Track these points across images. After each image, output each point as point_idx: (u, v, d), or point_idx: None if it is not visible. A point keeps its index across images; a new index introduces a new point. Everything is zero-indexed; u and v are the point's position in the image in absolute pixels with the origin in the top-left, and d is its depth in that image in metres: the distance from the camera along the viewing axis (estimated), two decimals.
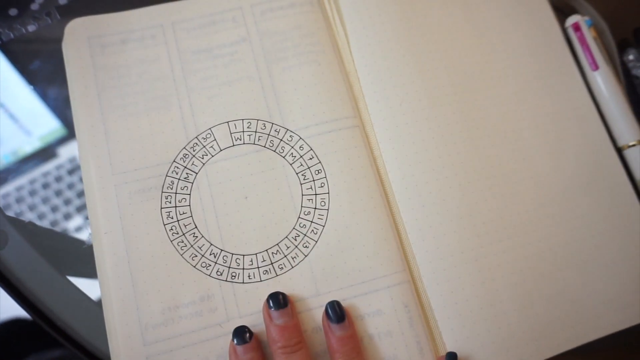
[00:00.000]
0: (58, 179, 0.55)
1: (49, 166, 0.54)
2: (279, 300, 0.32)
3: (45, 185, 0.54)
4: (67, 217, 0.48)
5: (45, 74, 0.42)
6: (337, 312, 0.32)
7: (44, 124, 0.54)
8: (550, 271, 0.35)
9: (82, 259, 0.35)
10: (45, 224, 0.46)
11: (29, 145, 0.54)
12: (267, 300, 0.32)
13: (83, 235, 0.38)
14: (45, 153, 0.54)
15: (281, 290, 0.33)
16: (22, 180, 0.56)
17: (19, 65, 0.48)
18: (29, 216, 0.47)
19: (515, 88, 0.39)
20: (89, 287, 0.35)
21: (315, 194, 0.35)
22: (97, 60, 0.37)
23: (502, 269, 0.34)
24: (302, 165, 0.35)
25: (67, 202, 0.45)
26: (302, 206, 0.35)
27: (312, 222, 0.34)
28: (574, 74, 0.40)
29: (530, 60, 0.40)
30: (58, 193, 0.53)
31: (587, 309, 0.34)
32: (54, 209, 0.51)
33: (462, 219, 0.35)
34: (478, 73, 0.39)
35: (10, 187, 0.53)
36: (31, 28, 0.42)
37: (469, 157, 0.36)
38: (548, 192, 0.36)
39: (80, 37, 0.37)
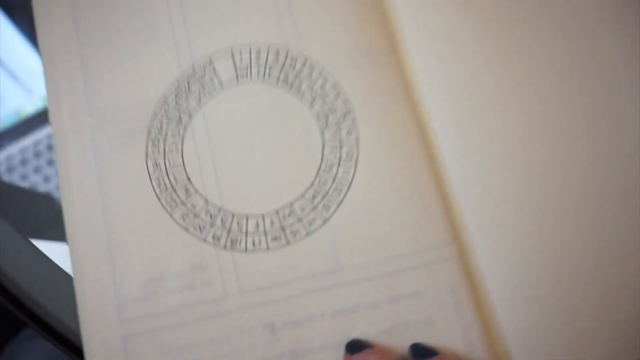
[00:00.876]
0: (53, 133, 0.50)
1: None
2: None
3: (50, 147, 0.50)
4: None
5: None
6: (357, 343, 0.25)
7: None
8: None
9: (53, 219, 0.29)
10: (51, 187, 0.40)
11: (31, 105, 0.52)
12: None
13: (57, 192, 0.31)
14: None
15: (294, 262, 0.26)
16: (26, 141, 0.52)
17: (16, 18, 0.43)
18: (34, 179, 0.42)
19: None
20: (59, 255, 0.29)
21: (341, 143, 0.27)
22: None
23: (584, 246, 0.26)
24: (324, 106, 0.28)
25: None
26: (322, 158, 0.27)
27: (335, 178, 0.27)
28: None
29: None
30: None
31: None
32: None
33: (534, 174, 0.27)
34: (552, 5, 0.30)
35: (14, 148, 0.49)
36: None
37: (544, 98, 0.28)
38: None
39: None
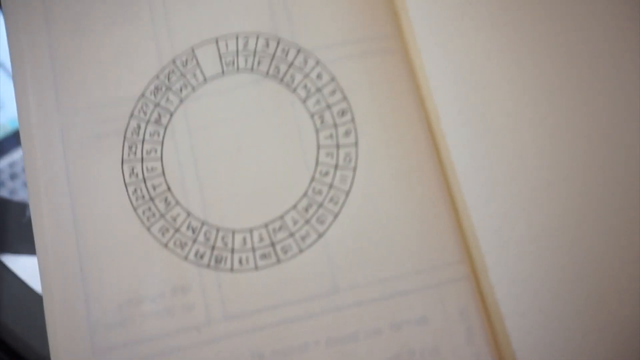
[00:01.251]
0: (20, 135, 0.48)
1: None
2: None
3: None
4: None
5: None
6: None
7: None
8: None
9: (21, 233, 0.26)
10: None
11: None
12: None
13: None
14: None
15: (285, 283, 0.23)
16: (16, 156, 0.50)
17: None
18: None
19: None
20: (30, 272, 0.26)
21: (338, 146, 0.24)
22: None
23: (612, 263, 0.23)
24: (319, 102, 0.25)
25: None
26: (317, 163, 0.24)
27: (331, 186, 0.24)
28: None
29: None
30: None
31: None
32: None
33: (552, 186, 0.23)
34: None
35: (17, 155, 0.47)
36: None
37: (568, 98, 0.24)
38: None
39: None
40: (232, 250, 0.24)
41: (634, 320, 0.22)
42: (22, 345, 0.25)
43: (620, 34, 0.25)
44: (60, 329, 0.23)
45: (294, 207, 0.24)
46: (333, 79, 0.25)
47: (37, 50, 0.26)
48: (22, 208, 0.28)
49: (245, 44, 0.25)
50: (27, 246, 0.26)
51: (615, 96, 0.24)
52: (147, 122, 0.25)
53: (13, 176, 0.43)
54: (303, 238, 0.24)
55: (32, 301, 0.25)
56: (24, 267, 0.26)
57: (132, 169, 0.25)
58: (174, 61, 0.26)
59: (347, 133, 0.24)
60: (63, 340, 0.23)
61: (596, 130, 0.24)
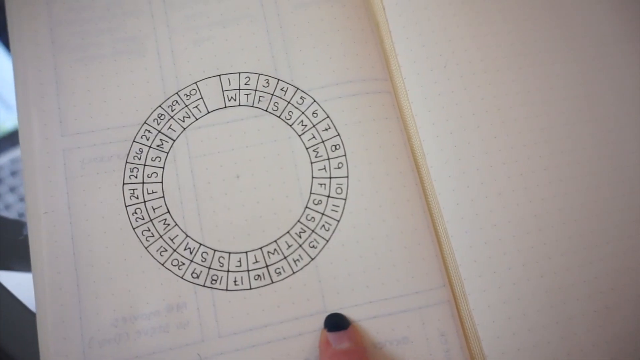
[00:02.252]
0: (21, 156, 0.48)
1: None
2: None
3: None
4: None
5: None
6: (337, 320, 0.24)
7: None
8: None
9: (16, 250, 0.26)
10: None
11: (11, 121, 0.49)
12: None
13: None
14: None
15: (278, 302, 0.24)
16: (3, 159, 0.49)
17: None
18: (9, 199, 0.39)
19: (592, 55, 0.30)
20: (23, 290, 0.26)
21: (330, 178, 0.26)
22: None
23: (578, 290, 0.25)
24: (314, 137, 0.27)
25: None
26: (311, 192, 0.26)
27: (323, 214, 0.26)
28: None
29: (611, 24, 0.31)
30: None
31: None
32: None
33: (525, 220, 0.26)
34: (545, 34, 0.30)
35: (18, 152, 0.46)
36: None
37: (534, 139, 0.27)
38: (636, 188, 0.28)
39: None
40: (228, 271, 0.25)
41: (605, 342, 0.25)
42: None
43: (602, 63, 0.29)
44: (52, 345, 0.23)
45: (288, 232, 0.25)
46: (327, 116, 0.27)
47: (42, 75, 0.27)
48: (19, 226, 0.28)
49: (247, 82, 0.28)
50: (21, 263, 0.26)
51: (595, 128, 0.28)
52: (150, 147, 0.26)
53: (14, 174, 0.43)
54: (296, 261, 0.25)
55: (25, 318, 0.25)
56: (17, 284, 0.26)
57: (133, 191, 0.26)
58: (177, 92, 0.27)
59: (339, 166, 0.26)
60: (55, 357, 0.23)
61: (576, 164, 0.27)
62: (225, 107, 0.27)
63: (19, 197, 0.50)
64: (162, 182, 0.26)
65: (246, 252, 0.25)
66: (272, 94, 0.27)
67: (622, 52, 0.30)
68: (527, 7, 0.30)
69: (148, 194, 0.26)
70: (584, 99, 0.29)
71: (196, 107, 0.27)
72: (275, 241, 0.25)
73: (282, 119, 0.27)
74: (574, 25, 0.30)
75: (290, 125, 0.27)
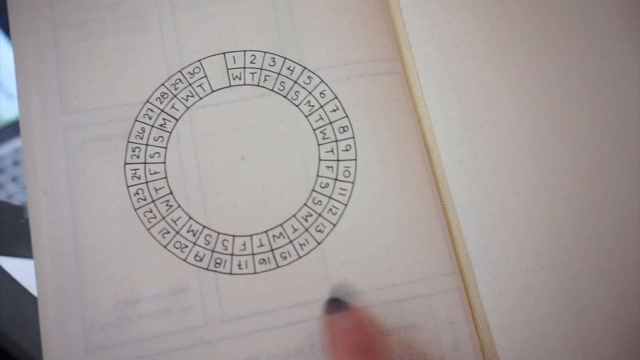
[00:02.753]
0: (21, 134, 0.48)
1: None
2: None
3: None
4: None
5: None
6: (335, 303, 0.23)
7: None
8: None
9: (19, 233, 0.26)
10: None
11: (12, 111, 0.48)
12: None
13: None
14: None
15: (283, 287, 0.24)
16: (4, 149, 0.49)
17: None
18: (12, 189, 0.39)
19: (608, 44, 0.29)
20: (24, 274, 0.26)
21: (338, 160, 0.26)
22: None
23: (593, 279, 0.25)
24: (321, 118, 0.26)
25: None
26: (318, 175, 0.25)
27: (330, 197, 0.25)
28: None
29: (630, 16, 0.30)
30: None
31: None
32: None
33: (539, 208, 0.25)
34: (561, 21, 0.28)
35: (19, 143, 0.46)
36: None
37: (550, 124, 0.27)
38: None
39: None
40: (232, 254, 0.24)
41: (621, 333, 0.24)
42: (14, 348, 0.24)
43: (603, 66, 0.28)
44: (53, 328, 0.23)
45: (294, 215, 0.25)
46: (335, 97, 0.26)
47: (42, 51, 0.26)
48: (20, 211, 0.27)
49: (253, 60, 0.27)
50: (22, 248, 0.26)
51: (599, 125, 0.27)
52: (152, 126, 0.26)
53: (16, 163, 0.43)
54: (302, 245, 0.24)
55: (27, 303, 0.25)
56: (17, 269, 0.25)
57: (135, 172, 0.25)
58: (181, 70, 0.26)
59: (347, 148, 0.26)
60: (56, 340, 0.22)
61: (583, 155, 0.26)
62: (230, 86, 0.26)
63: (21, 187, 0.50)
64: (164, 163, 0.25)
65: (251, 236, 0.24)
66: (279, 73, 0.26)
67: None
68: None
69: (150, 174, 0.25)
70: (603, 89, 0.28)
71: (200, 85, 0.26)
72: (281, 225, 0.25)
73: (288, 99, 0.26)
74: (592, 11, 0.29)
75: (297, 106, 0.26)
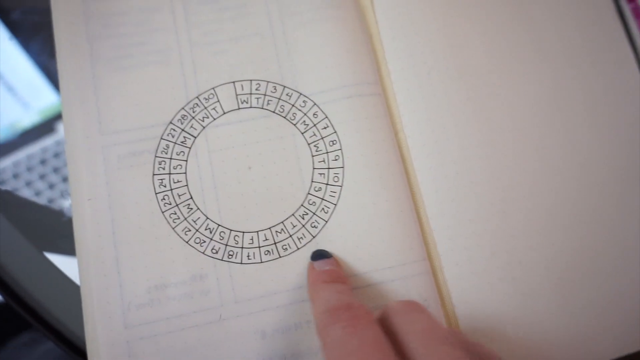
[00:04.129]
0: (57, 155, 0.51)
1: (48, 141, 0.50)
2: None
3: (43, 162, 0.51)
4: (66, 195, 0.44)
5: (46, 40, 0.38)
6: (320, 252, 0.29)
7: (43, 97, 0.50)
8: (595, 273, 0.30)
9: (62, 233, 0.31)
10: (42, 200, 0.43)
11: (28, 119, 0.52)
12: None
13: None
14: (45, 128, 0.50)
15: (284, 274, 0.29)
16: (20, 155, 0.53)
17: (18, 33, 0.45)
18: (26, 193, 0.44)
19: (559, 63, 0.34)
20: (67, 267, 0.31)
21: (328, 168, 0.31)
22: (90, 6, 0.33)
23: (538, 265, 0.30)
24: (314, 134, 0.31)
25: (66, 179, 0.42)
26: (312, 181, 0.31)
27: (322, 199, 0.30)
28: (625, 50, 0.36)
29: (577, 34, 0.35)
30: (56, 170, 0.49)
31: (635, 319, 0.30)
32: (51, 187, 0.48)
33: (493, 206, 0.30)
34: (517, 45, 0.34)
35: (7, 162, 0.50)
36: None
37: (504, 138, 0.32)
38: (595, 182, 0.32)
39: None
40: (242, 247, 0.29)
41: (558, 307, 0.29)
42: (59, 324, 0.29)
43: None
44: (98, 309, 0.28)
45: (293, 214, 0.30)
46: (326, 116, 0.32)
47: (83, 83, 0.31)
48: (58, 214, 0.33)
49: (257, 88, 0.32)
50: (65, 245, 0.31)
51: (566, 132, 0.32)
52: (175, 143, 0.31)
53: (30, 169, 0.48)
54: (299, 239, 0.30)
55: (69, 288, 0.30)
56: (61, 263, 0.31)
57: (162, 181, 0.30)
58: (198, 97, 0.32)
59: (336, 158, 0.31)
60: (100, 318, 0.28)
61: (532, 163, 0.31)
62: (239, 108, 0.32)
63: (34, 192, 0.53)
64: (185, 173, 0.31)
65: (257, 232, 0.30)
66: (279, 98, 0.32)
67: (585, 60, 0.34)
68: (501, 21, 0.34)
69: (174, 183, 0.30)
70: (554, 102, 0.33)
71: (214, 109, 0.32)
72: (282, 222, 0.30)
73: (287, 119, 0.32)
74: (544, 36, 0.34)
75: (294, 125, 0.31)
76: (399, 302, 0.25)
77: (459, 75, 0.32)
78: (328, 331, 0.23)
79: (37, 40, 0.42)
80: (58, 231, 0.31)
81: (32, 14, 0.40)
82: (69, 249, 0.30)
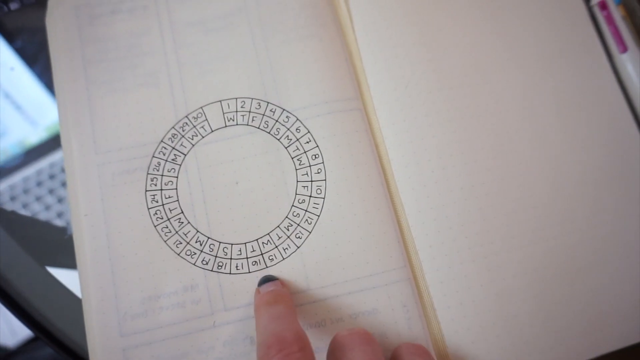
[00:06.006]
0: (65, 169, 0.53)
1: (56, 157, 0.52)
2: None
3: (52, 176, 0.53)
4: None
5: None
6: (265, 277, 0.30)
7: (49, 113, 0.52)
8: (568, 272, 0.31)
9: (64, 248, 0.33)
10: (51, 215, 0.44)
11: (35, 136, 0.53)
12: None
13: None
14: (52, 143, 0.52)
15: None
16: (29, 170, 0.54)
17: (22, 52, 0.46)
18: (36, 208, 0.46)
19: (535, 70, 0.35)
20: (70, 280, 0.33)
21: (311, 181, 0.32)
22: (84, 32, 0.34)
23: (514, 267, 0.31)
24: (298, 149, 0.33)
25: None
26: (296, 193, 0.32)
27: (306, 211, 0.32)
28: (599, 57, 0.37)
29: (551, 41, 0.36)
30: (65, 184, 0.51)
31: (609, 315, 0.31)
32: (60, 200, 0.50)
33: (471, 213, 0.32)
34: (493, 54, 0.35)
35: (17, 177, 0.51)
36: (14, 6, 0.40)
37: (481, 145, 0.33)
38: (568, 184, 0.33)
39: (66, 6, 0.35)
40: (231, 259, 0.31)
41: (535, 309, 0.30)
42: (61, 334, 0.31)
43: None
44: (95, 319, 0.29)
45: (278, 226, 0.32)
46: (308, 131, 0.33)
47: (78, 105, 0.33)
48: (62, 231, 0.35)
49: (243, 105, 0.34)
50: (67, 259, 0.33)
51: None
52: (166, 161, 0.33)
53: (26, 190, 0.50)
54: (285, 249, 0.31)
55: (70, 300, 0.32)
56: (63, 277, 0.32)
57: (154, 197, 0.32)
58: (187, 116, 0.33)
59: (318, 171, 0.32)
60: (98, 327, 0.29)
61: (515, 164, 0.33)
62: (226, 126, 0.33)
63: (44, 206, 0.54)
64: (176, 189, 0.32)
65: (245, 243, 0.31)
66: (263, 114, 0.33)
67: (560, 66, 0.36)
68: (477, 33, 0.35)
69: (165, 198, 0.32)
70: (529, 108, 0.34)
71: (202, 127, 0.33)
72: (268, 234, 0.31)
73: (271, 135, 0.33)
74: (519, 45, 0.36)
75: (278, 140, 0.33)
76: (410, 344, 0.27)
77: (437, 87, 0.34)
78: None
79: (41, 59, 0.44)
80: (61, 246, 0.33)
81: (35, 34, 0.42)
82: (70, 264, 0.32)
